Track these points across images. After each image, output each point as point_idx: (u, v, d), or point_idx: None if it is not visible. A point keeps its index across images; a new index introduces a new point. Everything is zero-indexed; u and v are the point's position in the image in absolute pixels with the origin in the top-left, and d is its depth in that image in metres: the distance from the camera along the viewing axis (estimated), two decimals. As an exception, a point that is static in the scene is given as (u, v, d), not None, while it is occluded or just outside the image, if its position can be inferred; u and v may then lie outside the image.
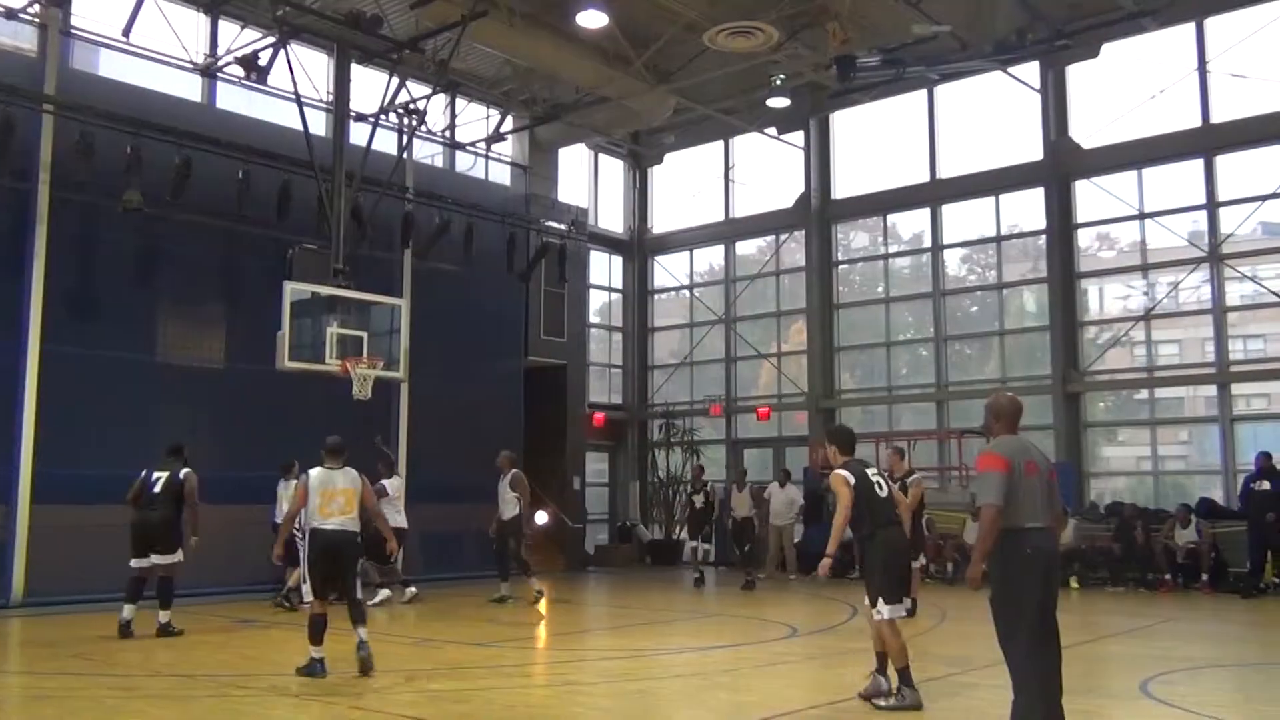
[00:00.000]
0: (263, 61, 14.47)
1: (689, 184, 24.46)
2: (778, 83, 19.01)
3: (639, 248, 25.15)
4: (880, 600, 7.30)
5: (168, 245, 15.01)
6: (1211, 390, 18.05)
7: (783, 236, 23.32)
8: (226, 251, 15.67)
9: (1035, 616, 5.59)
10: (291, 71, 14.41)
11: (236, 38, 15.56)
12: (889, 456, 12.61)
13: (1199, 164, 18.06)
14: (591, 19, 16.67)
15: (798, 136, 22.55)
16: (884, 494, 7.55)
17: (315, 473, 8.65)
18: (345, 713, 7.16)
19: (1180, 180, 18.32)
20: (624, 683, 8.51)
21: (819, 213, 22.28)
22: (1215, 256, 17.85)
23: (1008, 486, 5.57)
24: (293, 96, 14.58)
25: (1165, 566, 15.95)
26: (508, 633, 12.08)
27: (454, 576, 15.36)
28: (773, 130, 22.31)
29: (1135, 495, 18.10)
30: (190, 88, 16.24)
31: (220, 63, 15.60)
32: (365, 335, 14.18)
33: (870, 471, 7.61)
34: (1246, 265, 17.84)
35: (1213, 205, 17.97)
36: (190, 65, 15.73)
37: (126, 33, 14.67)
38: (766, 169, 23.37)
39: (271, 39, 14.67)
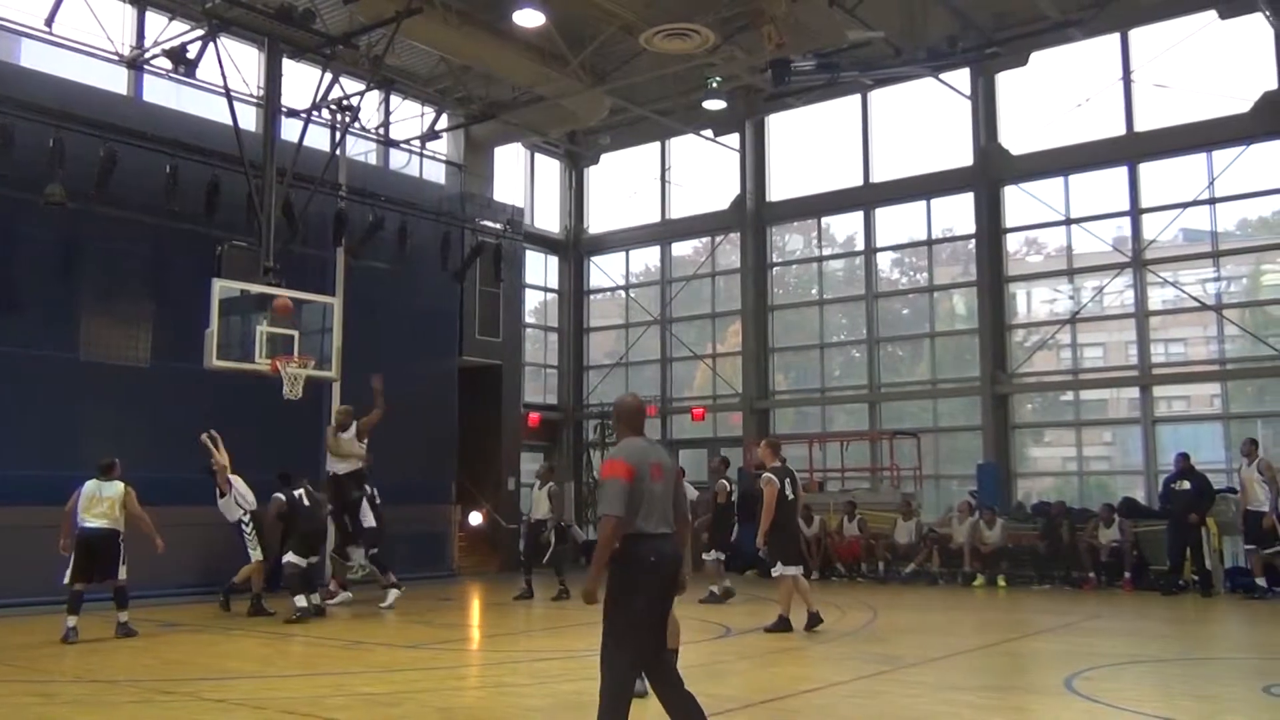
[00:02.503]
0: (191, 54, 14.21)
1: (625, 185, 24.50)
2: (714, 85, 19.11)
3: (575, 248, 25.11)
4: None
5: (92, 241, 14.63)
6: (1134, 392, 18.49)
7: (718, 238, 23.44)
8: (153, 248, 15.30)
9: (650, 629, 5.45)
10: (221, 65, 14.16)
11: (164, 30, 15.27)
12: (761, 449, 12.37)
13: (1123, 171, 18.52)
14: (528, 18, 16.62)
15: (733, 139, 22.68)
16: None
17: (88, 484, 10.83)
18: (275, 717, 7.05)
19: (1105, 187, 18.77)
20: (558, 683, 8.48)
21: (754, 215, 22.44)
22: (1138, 262, 18.30)
23: (630, 495, 5.38)
24: (222, 90, 14.32)
25: (1089, 565, 16.29)
26: (440, 634, 11.99)
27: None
28: (709, 132, 22.42)
29: (1061, 495, 18.46)
30: (116, 80, 15.89)
31: (147, 55, 15.31)
32: (296, 334, 14.00)
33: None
34: (1168, 271, 18.31)
35: (1136, 212, 18.42)
36: (116, 57, 15.39)
37: (49, 23, 14.35)
38: (702, 171, 23.48)
39: (200, 31, 14.41)
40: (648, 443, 5.72)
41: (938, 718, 7.16)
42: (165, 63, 14.44)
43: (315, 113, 15.86)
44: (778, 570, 11.30)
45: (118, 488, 10.88)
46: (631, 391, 6.83)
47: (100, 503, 10.77)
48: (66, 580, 10.57)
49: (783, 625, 11.11)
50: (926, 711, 7.32)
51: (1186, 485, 15.08)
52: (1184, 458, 15.39)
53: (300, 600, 12.53)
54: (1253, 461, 14.57)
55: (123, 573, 10.90)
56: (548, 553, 15.12)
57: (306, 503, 13.23)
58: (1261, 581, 14.44)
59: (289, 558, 12.96)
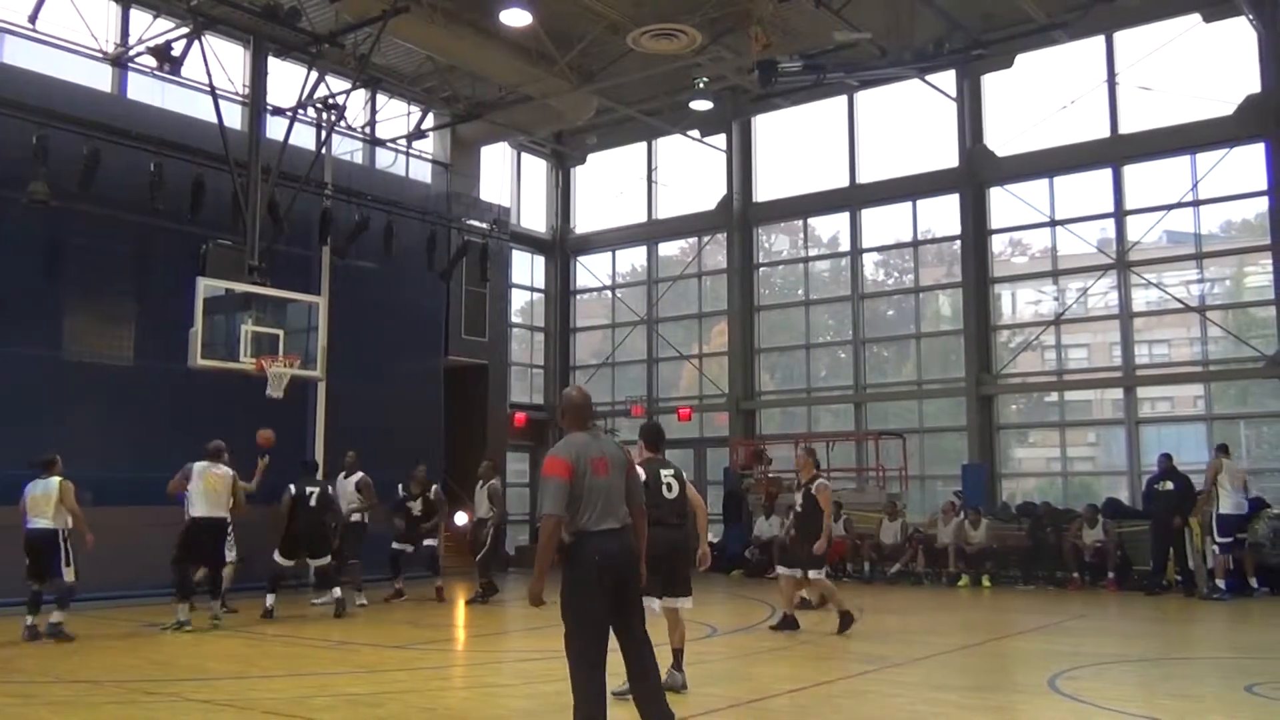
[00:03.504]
0: (176, 52, 14.13)
1: (612, 184, 24.50)
2: (700, 85, 19.13)
3: (561, 248, 25.10)
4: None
5: (75, 238, 14.52)
6: (1118, 393, 18.58)
7: (705, 238, 23.45)
8: (137, 246, 15.21)
9: (599, 627, 5.39)
10: (206, 63, 14.09)
11: (149, 27, 15.21)
12: (799, 459, 12.41)
13: (1108, 173, 18.60)
14: (514, 17, 16.61)
15: (720, 139, 22.71)
16: (672, 495, 7.77)
17: (32, 483, 10.70)
18: (259, 718, 7.02)
19: (1090, 189, 18.85)
20: (542, 684, 8.45)
21: (740, 215, 22.46)
22: (1122, 263, 18.38)
23: (568, 493, 5.36)
24: (207, 88, 14.26)
25: (1073, 565, 16.35)
26: (425, 635, 11.96)
27: (375, 579, 15.13)
28: (695, 132, 22.44)
29: (1045, 495, 18.54)
30: (100, 77, 15.83)
31: (132, 52, 15.25)
32: (281, 333, 13.97)
33: (665, 472, 7.83)
34: (1152, 272, 18.40)
35: (1120, 213, 18.51)
36: (100, 54, 15.32)
37: (33, 20, 14.27)
38: (689, 171, 23.50)
39: (185, 29, 14.34)
40: (591, 437, 5.70)
41: (923, 717, 7.17)
42: (150, 60, 14.36)
43: (301, 111, 15.81)
44: (815, 573, 11.17)
45: (53, 484, 10.67)
46: (576, 385, 6.88)
47: (38, 501, 10.64)
48: (26, 580, 10.66)
49: (848, 621, 11.04)
50: (911, 711, 7.33)
51: (1169, 486, 15.14)
52: (1166, 458, 15.46)
53: (270, 600, 12.60)
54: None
55: (69, 574, 10.56)
56: (481, 551, 14.85)
57: (312, 504, 13.08)
58: (1221, 583, 14.50)
59: (275, 555, 12.98)
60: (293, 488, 13.15)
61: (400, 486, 15.04)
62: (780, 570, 11.86)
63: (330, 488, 13.91)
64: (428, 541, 14.94)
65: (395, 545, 14.97)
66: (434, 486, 15.13)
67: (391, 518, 15.03)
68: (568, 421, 5.80)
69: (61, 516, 10.61)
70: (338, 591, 13.07)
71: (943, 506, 17.93)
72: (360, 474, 14.53)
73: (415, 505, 14.91)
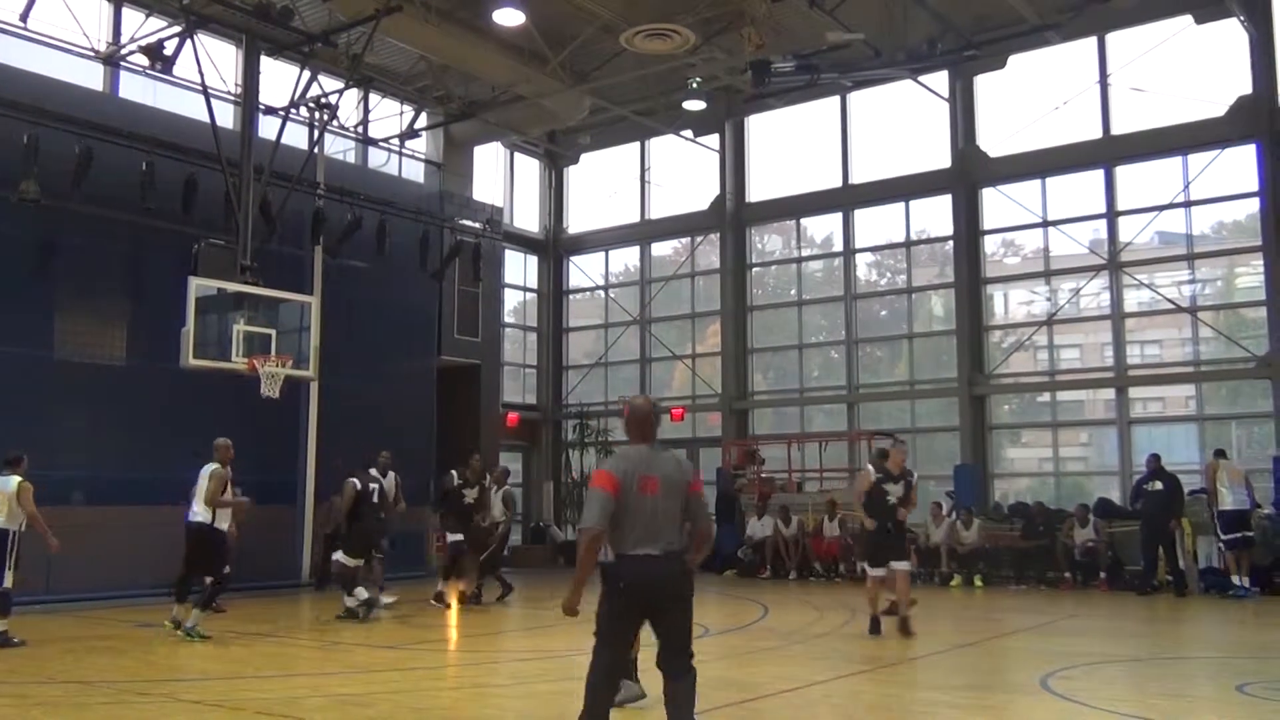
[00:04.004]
0: (168, 51, 14.10)
1: (605, 184, 24.50)
2: (694, 85, 19.13)
3: (554, 247, 25.09)
4: None
5: (67, 238, 14.50)
6: (1110, 394, 18.63)
7: (698, 238, 23.47)
8: (129, 245, 15.17)
9: (623, 639, 5.34)
10: (198, 62, 14.07)
11: (141, 26, 15.18)
12: (899, 450, 11.80)
13: (1100, 174, 18.65)
14: (508, 17, 16.61)
15: (713, 139, 22.72)
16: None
17: None
18: (250, 718, 7.00)
19: (1082, 189, 18.90)
20: (536, 684, 8.46)
21: (734, 215, 22.47)
22: (1115, 264, 18.43)
23: (613, 507, 5.11)
24: (200, 88, 14.23)
25: (1065, 565, 16.39)
26: (418, 635, 11.93)
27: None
28: (689, 133, 22.44)
29: (1037, 495, 18.56)
30: (92, 76, 15.78)
31: (124, 51, 15.22)
32: (273, 333, 13.97)
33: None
34: (1143, 273, 18.45)
35: (1112, 214, 18.56)
36: (92, 53, 15.28)
37: (24, 18, 14.22)
38: (682, 171, 23.51)
39: (177, 28, 14.33)
40: (649, 451, 5.32)
41: (915, 717, 7.18)
42: (142, 59, 14.32)
43: (293, 110, 15.79)
44: (899, 565, 10.96)
45: (11, 483, 10.18)
46: (644, 394, 6.54)
47: None
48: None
49: (876, 626, 10.90)
50: (905, 711, 7.34)
51: (1158, 486, 15.20)
52: (1155, 459, 15.53)
53: (361, 593, 12.21)
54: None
55: (8, 579, 10.02)
56: (486, 551, 14.43)
57: (374, 500, 12.61)
58: (1236, 579, 14.60)
59: (339, 556, 12.50)
60: (357, 482, 12.57)
61: (455, 474, 14.35)
62: (882, 570, 11.06)
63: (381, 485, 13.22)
64: (453, 537, 14.34)
65: (453, 537, 14.14)
66: (488, 475, 14.60)
67: (437, 512, 14.36)
68: (630, 433, 5.46)
69: (15, 518, 10.11)
70: (350, 600, 12.36)
71: (929, 508, 17.95)
72: (392, 473, 14.03)
73: (471, 493, 14.18)
